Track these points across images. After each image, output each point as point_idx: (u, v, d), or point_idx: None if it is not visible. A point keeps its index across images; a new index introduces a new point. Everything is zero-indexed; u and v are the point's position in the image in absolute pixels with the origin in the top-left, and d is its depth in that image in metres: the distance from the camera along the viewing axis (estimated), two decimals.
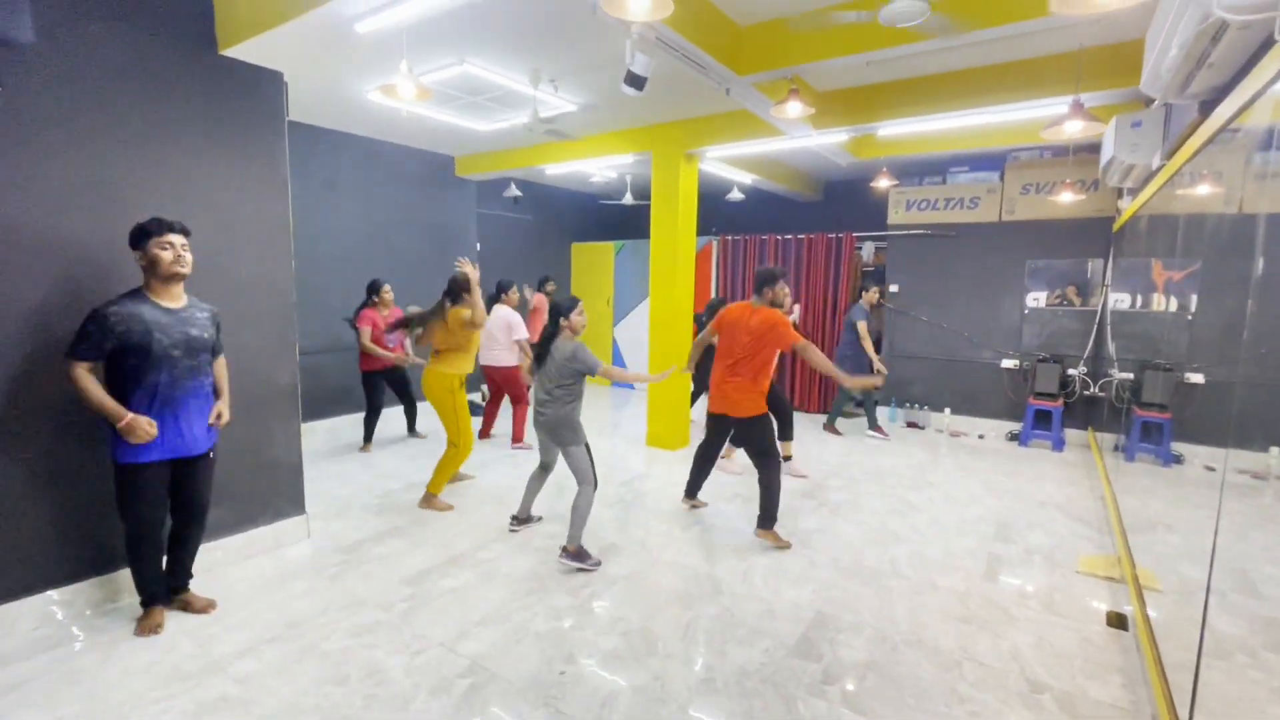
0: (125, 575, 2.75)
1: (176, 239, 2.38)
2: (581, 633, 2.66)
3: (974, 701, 2.26)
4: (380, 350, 5.07)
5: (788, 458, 4.77)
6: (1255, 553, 2.43)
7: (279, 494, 3.43)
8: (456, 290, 4.00)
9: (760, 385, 3.50)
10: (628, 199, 7.90)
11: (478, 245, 7.30)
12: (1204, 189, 2.68)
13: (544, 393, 3.29)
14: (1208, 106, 2.24)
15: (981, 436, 6.28)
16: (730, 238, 7.82)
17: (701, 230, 7.17)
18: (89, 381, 2.31)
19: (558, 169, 6.48)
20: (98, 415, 2.36)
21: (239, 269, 3.19)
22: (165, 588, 2.68)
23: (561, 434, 3.26)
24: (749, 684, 2.34)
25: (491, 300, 5.31)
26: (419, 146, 6.41)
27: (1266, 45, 1.66)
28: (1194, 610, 2.23)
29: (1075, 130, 2.81)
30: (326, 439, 5.72)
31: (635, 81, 2.80)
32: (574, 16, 3.11)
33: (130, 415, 2.34)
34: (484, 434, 5.75)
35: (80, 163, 2.62)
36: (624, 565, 3.29)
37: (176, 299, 2.47)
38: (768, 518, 3.51)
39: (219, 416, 2.68)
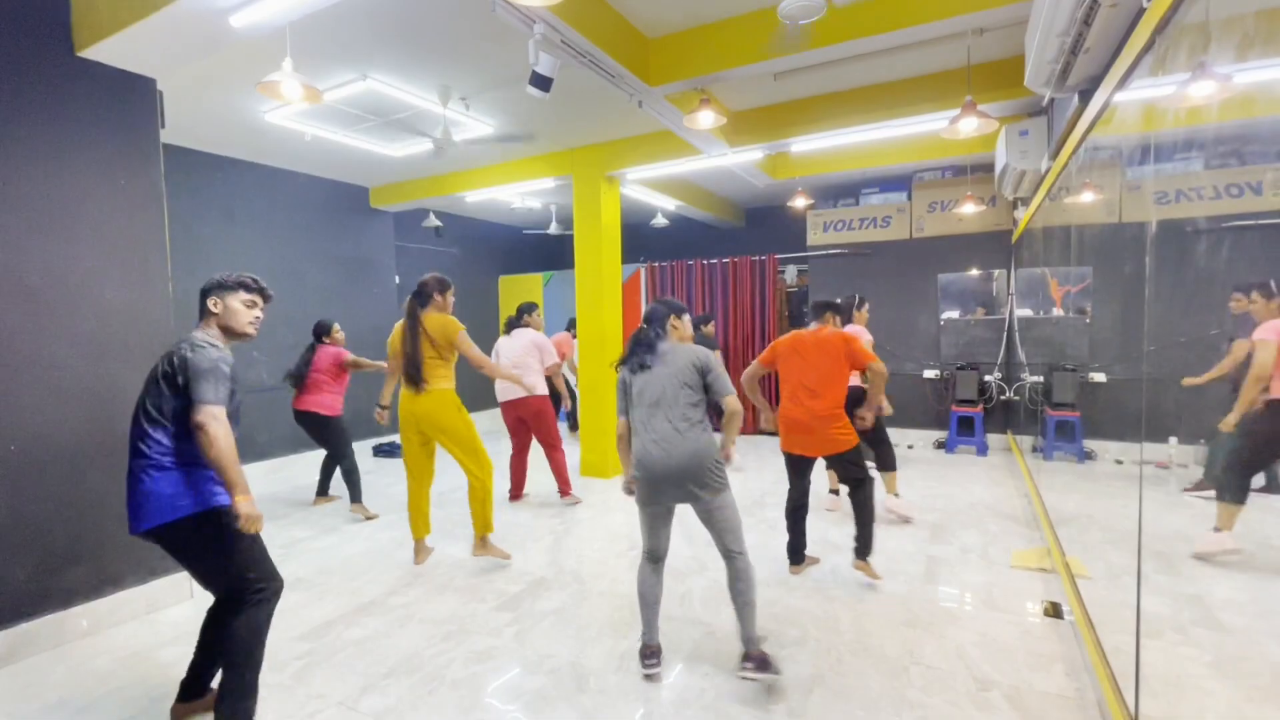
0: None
1: (260, 301, 2.15)
2: (504, 675, 2.39)
3: (924, 706, 2.14)
4: (367, 361, 4.60)
5: (895, 494, 4.15)
6: (1169, 535, 2.51)
7: (153, 549, 2.99)
8: (427, 293, 3.32)
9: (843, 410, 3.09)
10: (553, 229, 7.82)
11: (397, 279, 7.00)
12: (1086, 186, 2.84)
13: (667, 422, 2.28)
14: (1086, 95, 2.36)
15: (911, 446, 6.40)
16: (658, 264, 7.84)
17: (629, 258, 7.16)
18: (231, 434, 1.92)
19: (478, 196, 6.33)
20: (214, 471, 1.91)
21: (104, 292, 2.84)
22: (192, 688, 2.16)
23: (709, 476, 2.27)
24: (689, 713, 2.13)
25: (512, 324, 4.65)
26: (329, 176, 6.12)
27: (1135, 21, 1.73)
28: (1125, 594, 2.24)
29: (970, 127, 2.92)
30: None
31: (540, 82, 2.72)
32: (475, 19, 3.03)
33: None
34: (515, 495, 4.77)
35: None
36: (554, 599, 3.04)
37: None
38: (865, 546, 3.07)
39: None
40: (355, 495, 4.51)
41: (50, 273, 2.68)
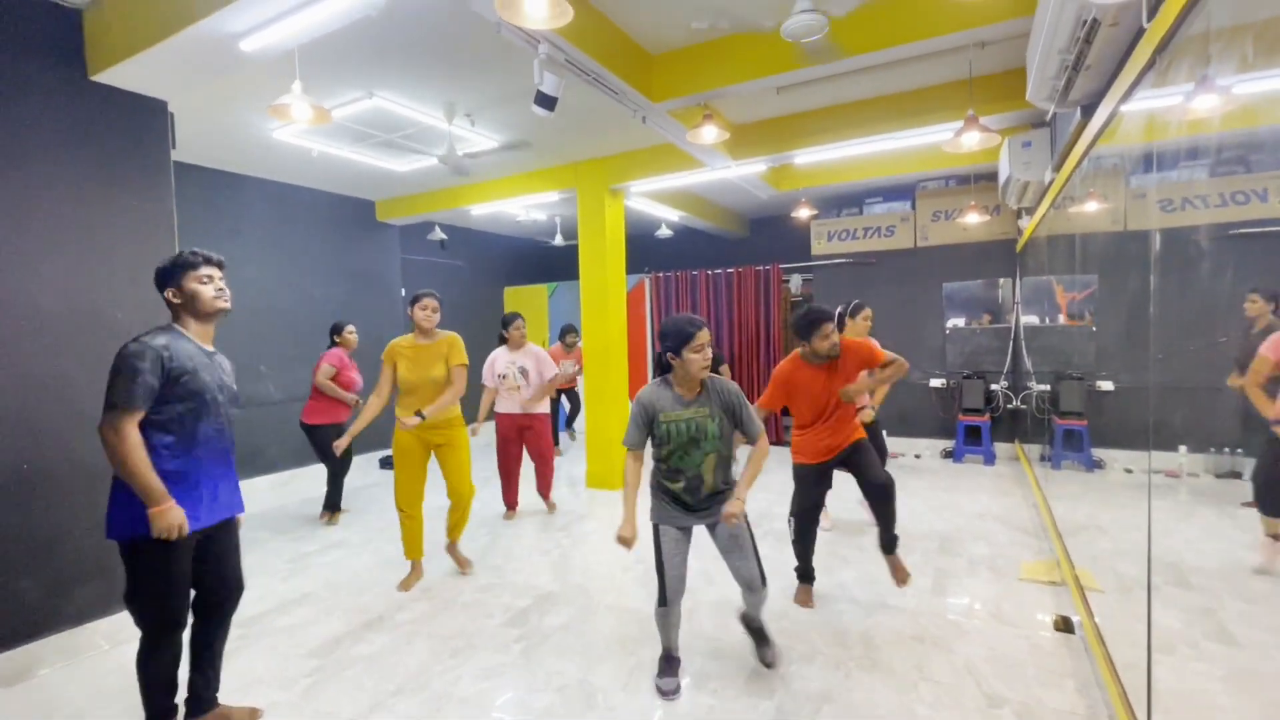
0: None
1: (215, 272, 2.00)
2: (511, 693, 2.39)
3: None
4: (339, 390, 4.51)
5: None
6: (1180, 546, 2.48)
7: None
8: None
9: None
10: (558, 240, 7.86)
11: (403, 291, 7.04)
12: (1091, 196, 2.84)
13: (711, 451, 2.27)
14: (1088, 110, 2.36)
15: (918, 456, 6.37)
16: (662, 275, 7.87)
17: (633, 269, 7.18)
18: (139, 440, 1.79)
19: (483, 209, 6.37)
20: (128, 482, 1.81)
21: (116, 313, 2.88)
22: (196, 704, 2.13)
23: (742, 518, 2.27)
24: None
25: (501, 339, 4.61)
26: (335, 191, 6.18)
27: (1136, 39, 1.74)
28: (1136, 607, 2.22)
29: (973, 142, 2.93)
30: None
31: (545, 102, 2.75)
32: (479, 38, 3.06)
33: (172, 502, 1.83)
34: (509, 507, 4.74)
35: None
36: (561, 614, 3.03)
37: (208, 341, 2.05)
38: (893, 539, 3.04)
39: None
40: (330, 502, 4.67)
41: (63, 294, 2.72)
